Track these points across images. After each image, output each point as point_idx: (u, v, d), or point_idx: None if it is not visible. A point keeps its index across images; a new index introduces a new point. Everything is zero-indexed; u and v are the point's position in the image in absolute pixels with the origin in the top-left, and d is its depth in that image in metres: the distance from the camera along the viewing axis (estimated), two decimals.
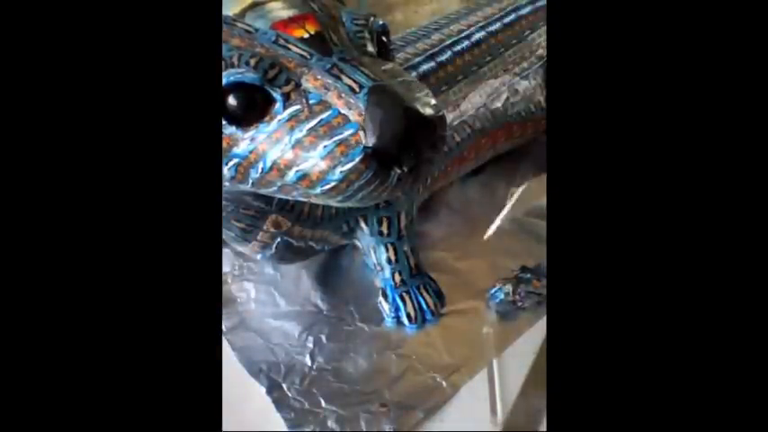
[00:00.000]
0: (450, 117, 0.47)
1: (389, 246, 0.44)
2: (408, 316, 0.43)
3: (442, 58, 0.48)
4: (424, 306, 0.43)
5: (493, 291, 0.44)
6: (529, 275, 0.44)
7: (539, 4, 0.55)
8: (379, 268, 0.44)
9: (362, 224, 0.43)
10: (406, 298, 0.44)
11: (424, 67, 0.47)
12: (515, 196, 0.52)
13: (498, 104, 0.51)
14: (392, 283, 0.44)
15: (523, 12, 0.54)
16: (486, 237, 0.50)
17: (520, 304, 0.43)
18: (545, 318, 0.42)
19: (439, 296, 0.45)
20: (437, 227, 0.52)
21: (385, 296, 0.44)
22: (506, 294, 0.43)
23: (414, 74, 0.45)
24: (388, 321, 0.44)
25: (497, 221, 0.51)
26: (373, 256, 0.44)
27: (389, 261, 0.44)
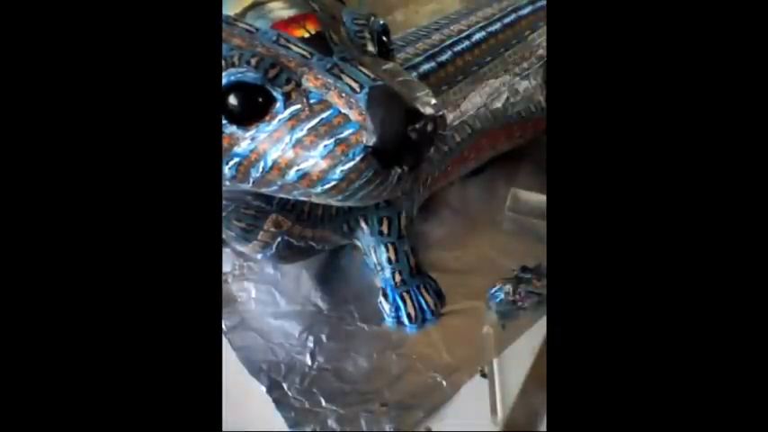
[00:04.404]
0: (450, 117, 0.47)
1: (390, 245, 0.44)
2: (409, 316, 0.43)
3: (443, 58, 0.48)
4: (425, 306, 0.44)
5: (493, 291, 0.44)
6: (529, 275, 0.44)
7: (539, 4, 0.55)
8: (379, 268, 0.44)
9: (363, 224, 0.43)
10: (407, 298, 0.44)
11: (425, 67, 0.47)
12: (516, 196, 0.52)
13: (498, 104, 0.51)
14: (392, 283, 0.44)
15: (523, 12, 0.54)
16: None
17: (520, 304, 0.43)
18: (545, 317, 0.42)
19: (439, 296, 0.45)
20: (437, 227, 0.52)
21: (385, 296, 0.44)
22: (507, 294, 0.43)
23: (414, 74, 0.45)
24: (389, 321, 0.44)
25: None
26: (374, 255, 0.44)
27: (390, 261, 0.44)
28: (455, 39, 0.50)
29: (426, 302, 0.44)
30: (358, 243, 0.45)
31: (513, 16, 0.53)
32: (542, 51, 0.53)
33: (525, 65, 0.52)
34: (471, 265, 0.48)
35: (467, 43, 0.50)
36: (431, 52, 0.48)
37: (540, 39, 0.53)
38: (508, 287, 0.43)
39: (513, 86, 0.51)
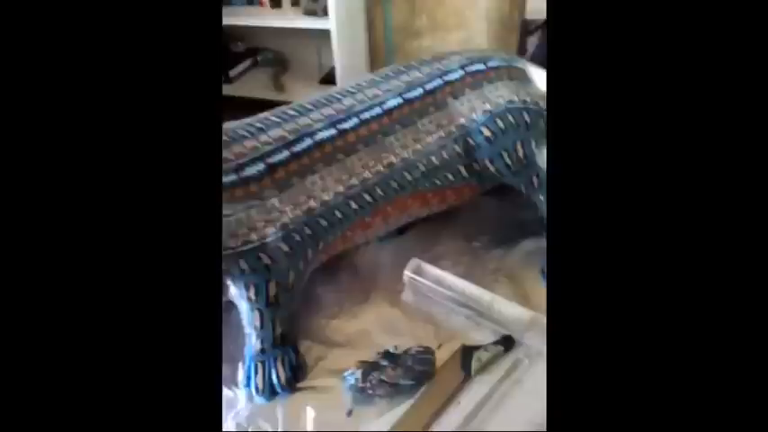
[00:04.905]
0: (341, 187, 0.46)
1: (257, 311, 0.44)
2: (256, 387, 0.43)
3: (346, 125, 0.47)
4: (275, 380, 0.43)
5: (346, 374, 0.42)
6: (386, 363, 0.42)
7: (470, 68, 0.51)
8: (248, 331, 0.44)
9: (232, 286, 0.43)
10: (260, 368, 0.43)
11: (324, 134, 0.46)
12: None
13: (406, 173, 0.49)
14: (253, 351, 0.44)
15: (451, 77, 0.51)
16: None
17: (370, 392, 0.41)
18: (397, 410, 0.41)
19: (298, 370, 0.44)
20: (331, 291, 0.51)
21: (244, 362, 0.44)
22: (356, 380, 0.41)
23: (311, 140, 0.46)
24: (244, 389, 0.44)
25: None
26: (245, 318, 0.44)
27: (256, 327, 0.44)
28: (367, 105, 0.48)
29: (278, 376, 0.43)
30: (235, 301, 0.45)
31: (437, 82, 0.51)
32: (463, 120, 0.50)
33: (442, 133, 0.50)
34: (348, 337, 0.47)
35: (377, 110, 0.48)
36: (336, 118, 0.47)
37: (462, 106, 0.50)
38: (358, 373, 0.42)
39: (426, 156, 0.49)
